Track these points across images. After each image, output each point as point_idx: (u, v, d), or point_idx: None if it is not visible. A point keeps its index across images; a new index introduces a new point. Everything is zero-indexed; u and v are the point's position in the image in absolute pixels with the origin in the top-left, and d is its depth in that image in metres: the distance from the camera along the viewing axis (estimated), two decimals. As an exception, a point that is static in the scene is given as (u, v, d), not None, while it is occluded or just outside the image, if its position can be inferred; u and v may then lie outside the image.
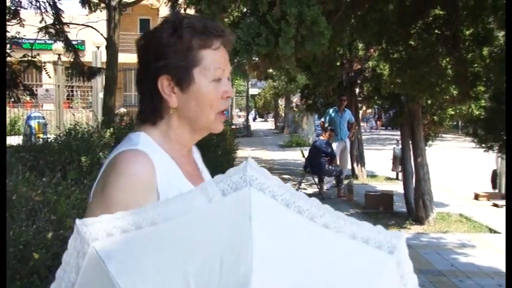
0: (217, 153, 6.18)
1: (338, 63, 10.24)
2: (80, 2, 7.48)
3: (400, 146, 8.74)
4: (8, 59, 6.27)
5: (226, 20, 3.76)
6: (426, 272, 5.42)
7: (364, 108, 20.06)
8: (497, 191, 9.80)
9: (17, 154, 4.17)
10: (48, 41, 8.29)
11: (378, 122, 34.03)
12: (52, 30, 7.05)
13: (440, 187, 10.04)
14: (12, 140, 10.18)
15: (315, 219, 0.89)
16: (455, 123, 14.35)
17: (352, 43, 9.82)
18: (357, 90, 11.67)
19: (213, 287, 0.78)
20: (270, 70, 11.63)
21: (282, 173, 12.10)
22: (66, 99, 16.12)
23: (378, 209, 8.28)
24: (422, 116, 7.77)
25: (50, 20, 6.96)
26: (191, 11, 4.86)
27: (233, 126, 21.89)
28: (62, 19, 7.11)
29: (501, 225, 7.53)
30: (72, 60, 7.38)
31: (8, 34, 5.79)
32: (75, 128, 5.16)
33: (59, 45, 8.51)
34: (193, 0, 3.55)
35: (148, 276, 0.81)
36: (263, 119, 50.92)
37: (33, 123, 12.99)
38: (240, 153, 10.77)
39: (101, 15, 9.30)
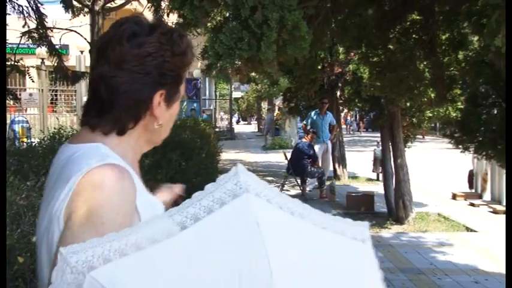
0: (201, 156, 6.22)
1: (319, 67, 10.34)
2: (63, 6, 7.43)
3: (381, 148, 8.87)
4: (-10, 63, 6.21)
5: (209, 24, 3.81)
6: (406, 271, 5.53)
7: (345, 111, 20.20)
8: (473, 190, 10.00)
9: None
10: (31, 46, 8.21)
11: (361, 124, 34.29)
12: (35, 35, 6.98)
13: (419, 187, 10.19)
14: (-5, 144, 10.04)
15: (304, 218, 0.94)
16: (433, 125, 14.56)
17: (333, 47, 9.92)
18: (338, 93, 11.78)
19: None
20: (253, 74, 11.69)
21: (265, 175, 12.16)
22: (50, 103, 15.95)
23: (359, 209, 8.39)
24: (401, 118, 7.90)
25: (33, 24, 6.91)
26: (174, 16, 4.91)
27: (217, 129, 21.88)
28: (45, 23, 7.05)
29: (477, 224, 7.73)
30: (55, 64, 7.33)
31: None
32: (60, 132, 5.16)
33: (42, 50, 8.44)
34: (176, 5, 3.57)
35: None
36: (246, 122, 50.93)
37: (17, 128, 12.83)
38: (224, 155, 10.80)
39: (84, 20, 9.26)
